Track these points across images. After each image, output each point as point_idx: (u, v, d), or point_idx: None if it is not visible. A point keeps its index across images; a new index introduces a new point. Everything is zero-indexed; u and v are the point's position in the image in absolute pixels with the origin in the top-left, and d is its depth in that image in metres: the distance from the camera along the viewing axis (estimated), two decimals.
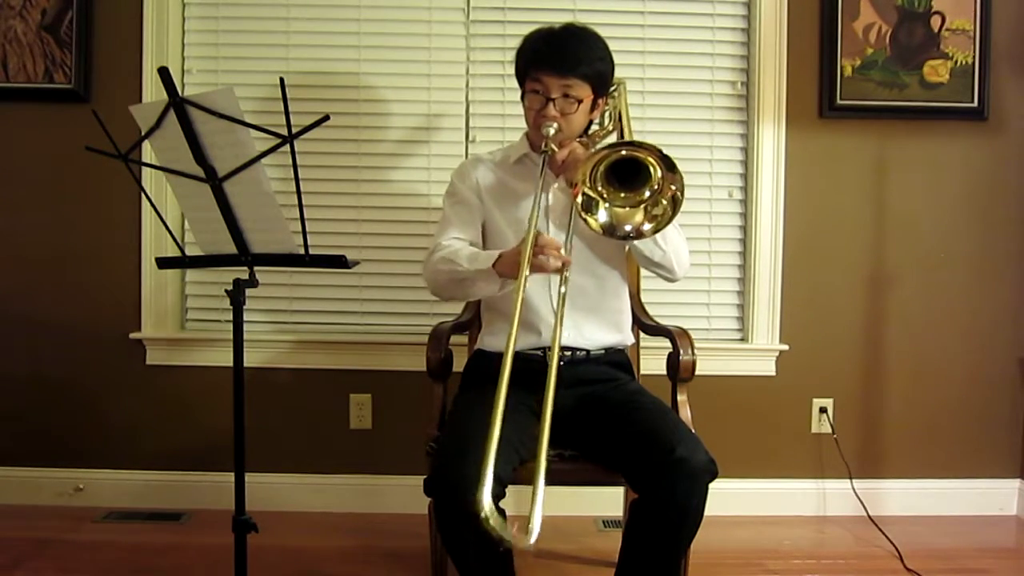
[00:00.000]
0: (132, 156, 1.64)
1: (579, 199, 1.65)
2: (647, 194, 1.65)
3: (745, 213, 2.67)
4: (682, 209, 1.65)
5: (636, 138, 1.72)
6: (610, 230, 1.67)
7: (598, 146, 1.68)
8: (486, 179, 1.97)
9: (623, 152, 1.61)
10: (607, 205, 1.66)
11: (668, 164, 1.59)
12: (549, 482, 1.94)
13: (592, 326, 1.90)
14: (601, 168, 1.63)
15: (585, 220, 1.66)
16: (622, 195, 1.66)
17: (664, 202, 1.63)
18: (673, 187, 1.61)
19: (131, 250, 2.61)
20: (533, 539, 1.29)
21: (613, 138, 1.96)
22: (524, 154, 1.96)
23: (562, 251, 1.64)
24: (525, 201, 1.89)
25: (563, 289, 1.66)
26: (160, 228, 2.52)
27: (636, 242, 1.76)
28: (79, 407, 2.63)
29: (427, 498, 1.62)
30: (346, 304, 2.67)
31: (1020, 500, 2.70)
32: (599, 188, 1.66)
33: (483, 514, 1.28)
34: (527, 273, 1.58)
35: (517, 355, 1.69)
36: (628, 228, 1.66)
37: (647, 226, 1.65)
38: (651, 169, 1.62)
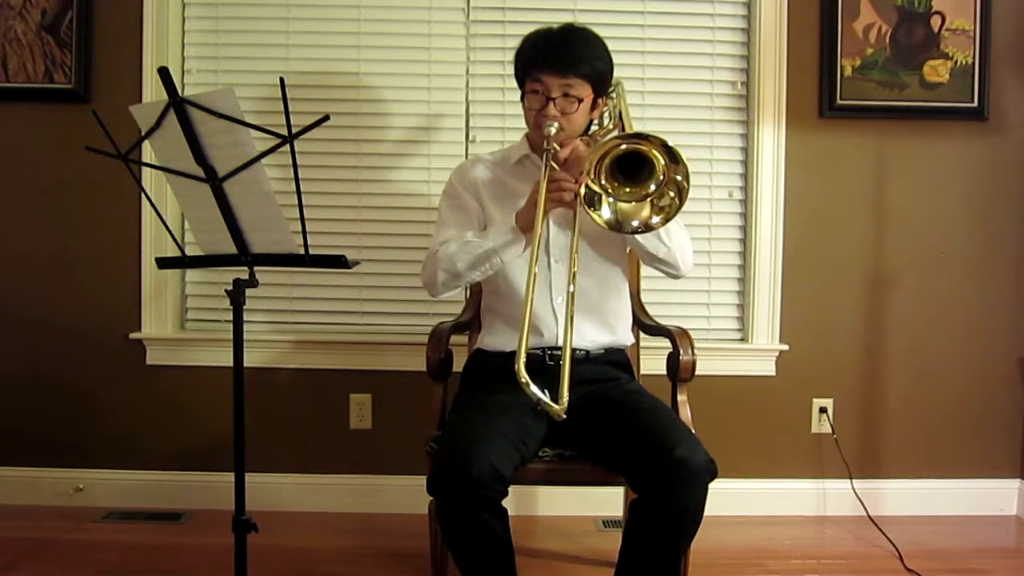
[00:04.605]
0: (132, 156, 1.63)
1: (583, 194, 1.64)
2: (652, 187, 1.64)
3: (745, 213, 2.67)
4: (683, 209, 1.65)
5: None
6: (617, 226, 1.66)
7: (602, 140, 1.68)
8: (485, 180, 1.97)
9: (625, 146, 1.61)
10: (611, 200, 1.66)
11: (672, 156, 1.59)
12: (549, 482, 1.96)
13: (592, 326, 1.90)
14: (606, 162, 1.63)
15: (592, 216, 1.66)
16: (627, 190, 1.66)
17: (671, 193, 1.62)
18: (678, 177, 1.60)
19: (131, 250, 2.60)
20: (564, 403, 1.49)
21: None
22: (524, 155, 1.96)
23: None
24: (524, 202, 1.89)
25: (572, 288, 1.66)
26: (160, 228, 2.52)
27: (640, 239, 1.76)
28: (79, 407, 2.63)
29: (427, 498, 1.62)
30: (346, 304, 2.66)
31: (1020, 500, 2.70)
32: (604, 183, 1.65)
33: (524, 380, 1.48)
34: (541, 220, 1.64)
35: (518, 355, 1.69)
36: (636, 223, 1.66)
37: (656, 219, 1.65)
38: (655, 162, 1.61)
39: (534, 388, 1.48)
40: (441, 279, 1.84)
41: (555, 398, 1.50)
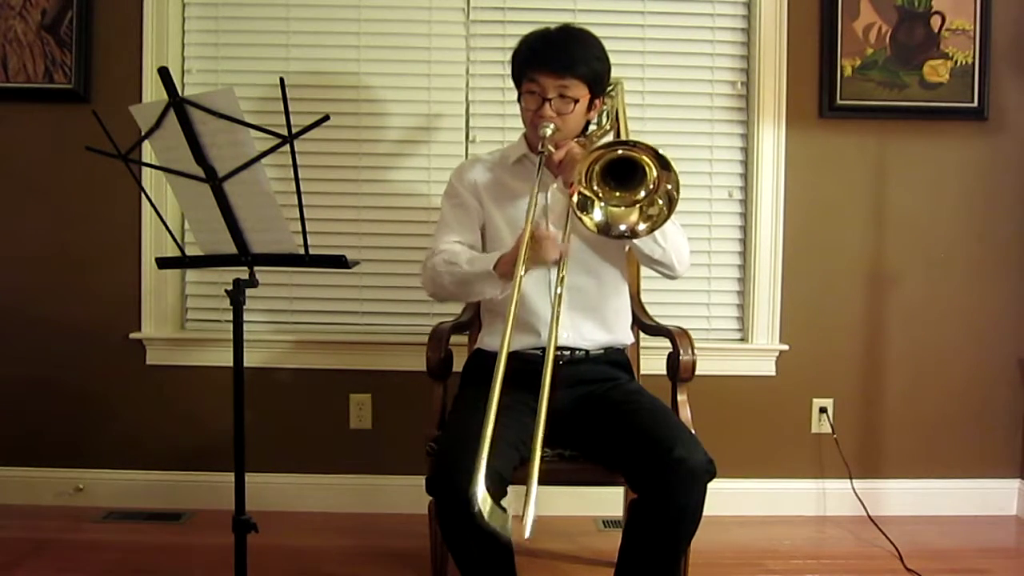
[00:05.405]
0: (132, 156, 1.64)
1: (575, 198, 1.65)
2: (642, 194, 1.65)
3: (745, 213, 2.66)
4: (682, 209, 1.66)
5: (633, 137, 1.72)
6: (605, 229, 1.67)
7: (594, 145, 1.69)
8: (484, 180, 1.97)
9: (619, 151, 1.62)
10: (602, 204, 1.67)
11: (663, 163, 1.60)
12: (549, 482, 1.95)
13: (591, 326, 1.90)
14: (597, 167, 1.64)
15: (580, 219, 1.66)
16: (617, 194, 1.67)
17: (660, 201, 1.63)
18: (668, 186, 1.61)
19: (131, 250, 2.61)
20: (528, 533, 1.31)
21: (611, 138, 1.96)
22: (523, 155, 1.96)
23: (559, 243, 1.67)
24: (523, 201, 1.89)
25: (560, 290, 1.66)
26: (160, 228, 2.52)
27: (635, 240, 1.77)
28: (79, 407, 2.63)
29: (427, 498, 1.62)
30: (346, 304, 2.67)
31: (1020, 500, 2.70)
32: (595, 187, 1.66)
33: (477, 508, 1.31)
34: (523, 272, 1.60)
35: (517, 355, 1.70)
36: (623, 228, 1.67)
37: (642, 226, 1.66)
38: (646, 168, 1.62)
39: (488, 517, 1.33)
40: (430, 290, 1.91)
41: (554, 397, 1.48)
